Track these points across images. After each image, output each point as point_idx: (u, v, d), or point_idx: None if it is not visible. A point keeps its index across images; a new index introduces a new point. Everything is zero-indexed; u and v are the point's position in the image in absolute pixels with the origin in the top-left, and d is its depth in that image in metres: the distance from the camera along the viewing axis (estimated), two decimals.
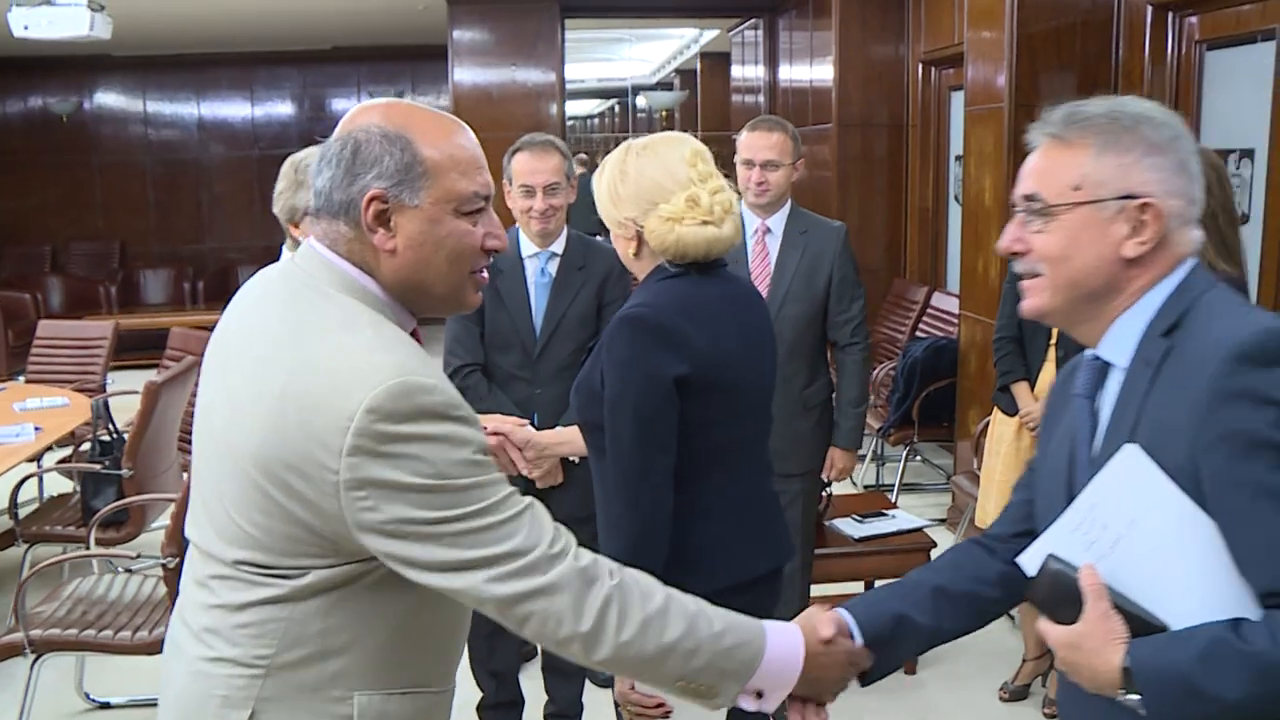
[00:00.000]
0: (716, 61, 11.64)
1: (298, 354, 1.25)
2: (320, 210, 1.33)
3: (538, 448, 2.27)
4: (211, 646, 1.31)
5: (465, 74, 7.57)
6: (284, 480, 1.22)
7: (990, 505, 3.51)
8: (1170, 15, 4.07)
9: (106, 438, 4.12)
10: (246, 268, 9.86)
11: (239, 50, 10.59)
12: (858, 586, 3.69)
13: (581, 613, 1.25)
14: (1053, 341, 3.31)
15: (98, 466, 3.96)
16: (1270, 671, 1.11)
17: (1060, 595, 1.25)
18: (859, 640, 1.50)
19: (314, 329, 1.27)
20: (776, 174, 3.22)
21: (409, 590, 1.27)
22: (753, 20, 8.12)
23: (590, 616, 1.25)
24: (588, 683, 3.22)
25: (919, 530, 3.84)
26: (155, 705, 1.43)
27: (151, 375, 4.03)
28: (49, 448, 4.37)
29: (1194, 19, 4.00)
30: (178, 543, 2.85)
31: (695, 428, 1.89)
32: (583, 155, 13.33)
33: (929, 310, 5.88)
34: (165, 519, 3.60)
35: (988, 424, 3.74)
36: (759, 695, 1.40)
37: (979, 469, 3.94)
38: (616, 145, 2.06)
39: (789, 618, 1.51)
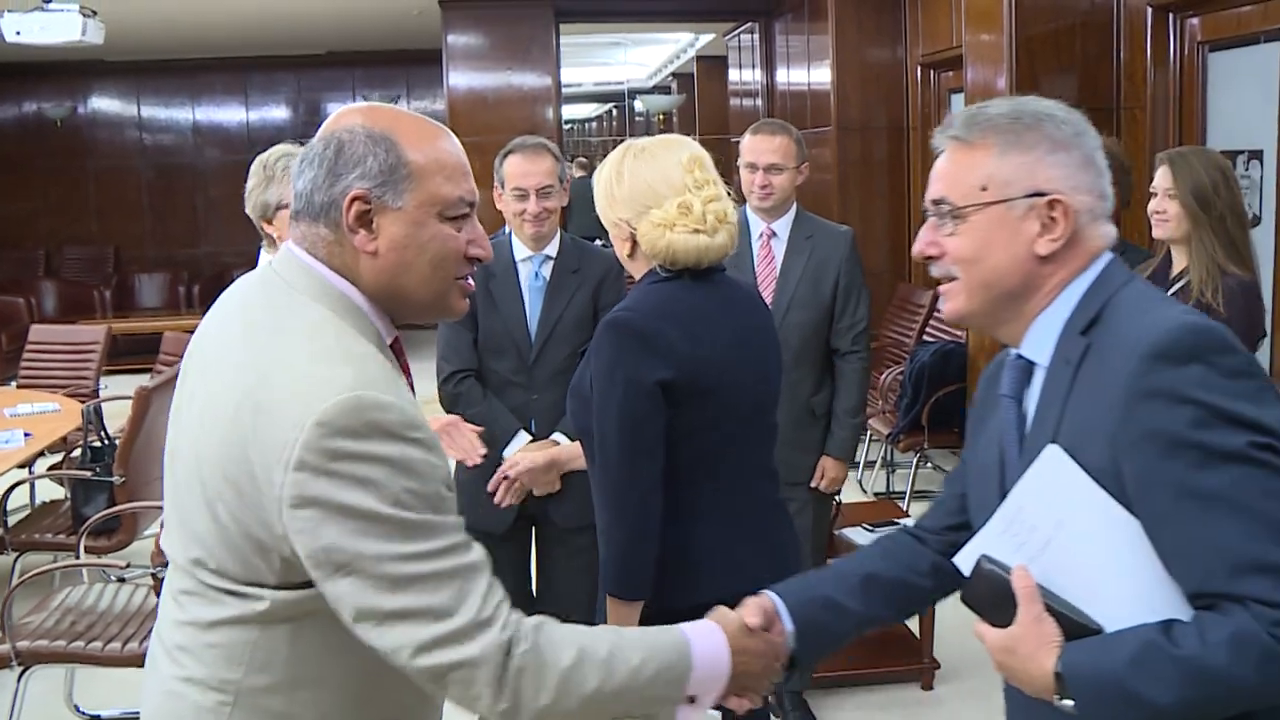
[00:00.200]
0: (713, 65, 11.64)
1: (257, 363, 1.21)
2: (300, 213, 1.30)
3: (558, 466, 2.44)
4: (182, 665, 1.28)
5: (460, 78, 7.54)
6: (238, 491, 1.19)
7: None
8: (1171, 16, 4.05)
9: (98, 444, 4.08)
10: (242, 272, 9.65)
11: (234, 55, 10.58)
12: None
13: (500, 690, 1.19)
14: None
15: (88, 473, 3.92)
16: (1202, 676, 1.09)
17: (994, 597, 1.24)
18: (788, 624, 1.49)
19: (278, 338, 1.23)
20: (780, 177, 3.18)
21: None
22: (748, 24, 8.10)
23: (507, 693, 1.19)
24: None
25: None
26: None
27: (145, 380, 3.99)
28: (40, 454, 4.33)
29: (1195, 20, 3.98)
30: None
31: (685, 433, 1.88)
32: (582, 159, 13.33)
33: (935, 314, 5.83)
34: (157, 527, 3.56)
35: None
36: (691, 700, 1.37)
37: None
38: (615, 149, 2.04)
39: None
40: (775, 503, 2.07)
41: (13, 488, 4.22)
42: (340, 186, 1.26)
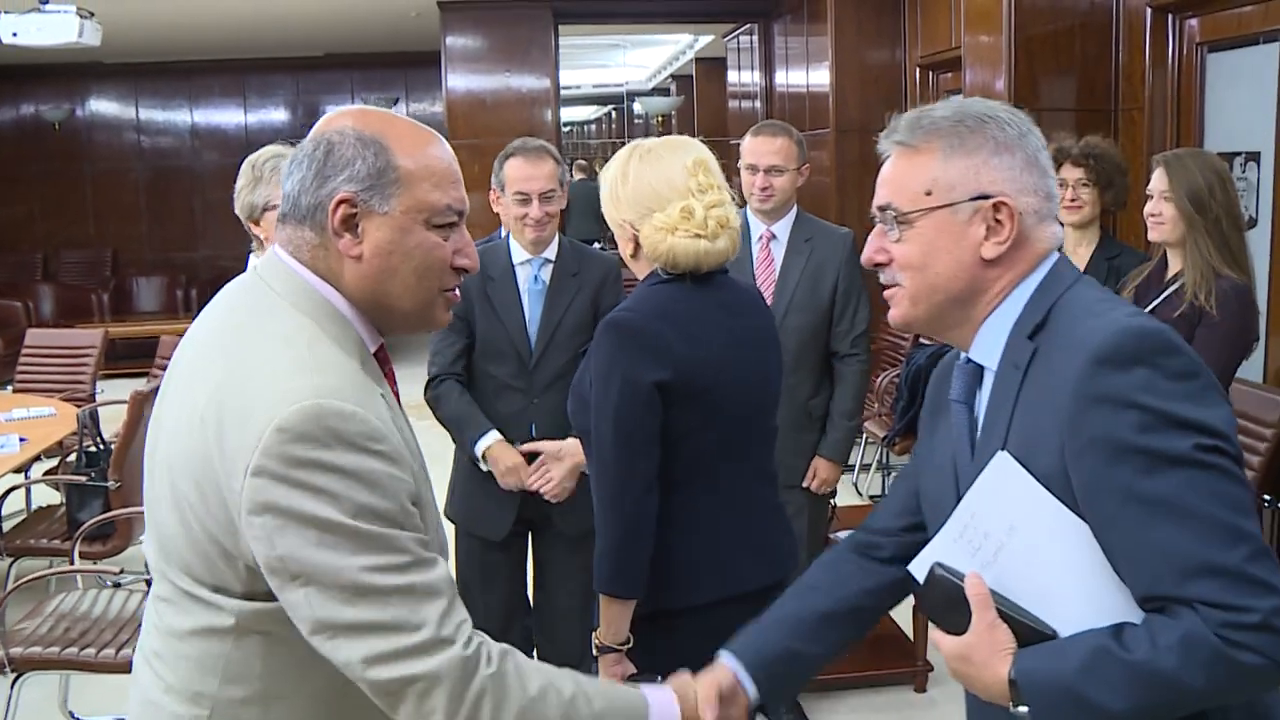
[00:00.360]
0: (712, 67, 11.63)
1: (228, 368, 1.21)
2: (286, 216, 1.29)
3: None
4: (160, 675, 1.28)
5: (459, 80, 7.52)
6: (204, 497, 1.18)
7: None
8: (1170, 17, 4.03)
9: (93, 449, 4.06)
10: (239, 274, 9.78)
11: (232, 57, 10.55)
12: None
13: (456, 710, 1.16)
14: None
15: (83, 478, 3.90)
16: (1153, 680, 1.10)
17: (948, 605, 1.24)
18: (750, 690, 1.49)
19: (251, 346, 1.22)
20: (781, 179, 3.17)
21: None
22: (747, 26, 8.09)
23: (463, 714, 1.17)
24: None
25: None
26: None
27: (143, 384, 3.97)
28: (36, 458, 4.30)
29: (1194, 21, 3.97)
30: None
31: (682, 434, 1.89)
32: (581, 161, 13.31)
33: None
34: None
35: None
36: None
37: None
38: (614, 151, 2.05)
39: None
40: (774, 506, 2.06)
41: (8, 492, 4.20)
42: (328, 189, 1.25)
